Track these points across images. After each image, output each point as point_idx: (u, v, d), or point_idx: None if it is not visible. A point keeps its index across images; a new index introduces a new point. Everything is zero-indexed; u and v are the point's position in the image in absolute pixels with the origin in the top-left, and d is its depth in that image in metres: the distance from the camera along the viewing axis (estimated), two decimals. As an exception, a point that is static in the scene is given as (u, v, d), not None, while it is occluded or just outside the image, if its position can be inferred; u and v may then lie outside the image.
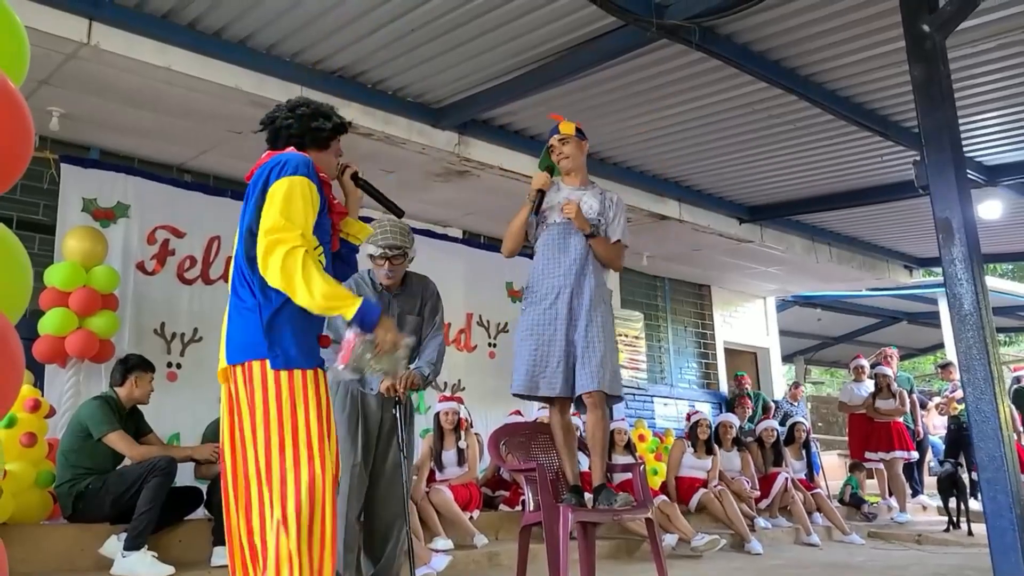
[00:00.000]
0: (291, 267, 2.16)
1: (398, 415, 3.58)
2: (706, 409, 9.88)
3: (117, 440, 4.35)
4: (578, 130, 3.78)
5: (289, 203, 2.24)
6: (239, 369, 2.26)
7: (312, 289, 2.16)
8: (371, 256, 3.69)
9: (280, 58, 5.04)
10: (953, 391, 8.77)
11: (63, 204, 5.61)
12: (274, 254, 2.18)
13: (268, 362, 2.21)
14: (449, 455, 5.92)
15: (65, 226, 5.50)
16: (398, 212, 2.85)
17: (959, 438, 8.57)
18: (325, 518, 2.14)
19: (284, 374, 2.21)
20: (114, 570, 3.96)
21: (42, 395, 4.71)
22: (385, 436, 3.67)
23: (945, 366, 9.57)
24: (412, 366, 3.69)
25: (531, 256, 3.87)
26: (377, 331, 2.27)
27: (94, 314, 5.14)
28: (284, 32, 4.77)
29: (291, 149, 2.45)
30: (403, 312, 3.80)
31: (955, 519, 7.40)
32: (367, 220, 2.94)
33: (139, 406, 4.69)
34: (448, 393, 7.16)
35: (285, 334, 2.24)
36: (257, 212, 2.31)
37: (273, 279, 2.20)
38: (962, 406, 8.54)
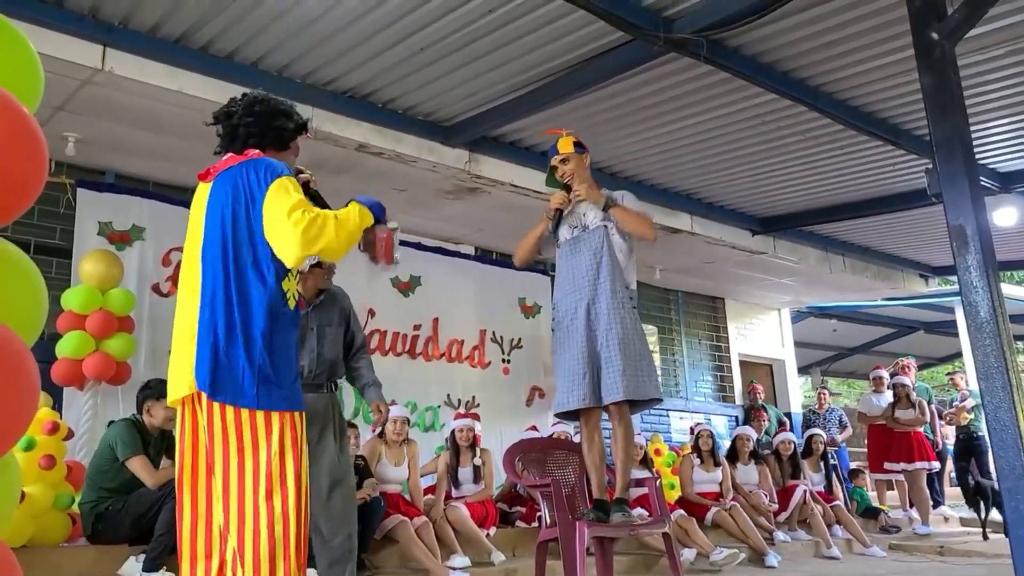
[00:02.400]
0: (321, 233, 2.17)
1: (333, 430, 3.43)
2: (722, 422, 9.83)
3: (138, 466, 4.36)
4: (577, 144, 3.78)
5: (293, 194, 2.22)
6: (216, 406, 2.11)
7: (344, 237, 2.22)
8: None
9: (291, 79, 5.09)
10: (961, 401, 8.78)
11: (79, 228, 5.68)
12: (318, 244, 2.17)
13: (256, 410, 2.11)
14: (465, 472, 5.90)
15: (81, 250, 5.55)
16: None
17: (969, 447, 8.61)
18: (290, 557, 2.07)
19: (272, 416, 2.13)
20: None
21: (60, 418, 4.74)
22: (315, 455, 3.39)
23: (952, 375, 9.58)
24: (365, 390, 3.72)
25: (543, 272, 3.90)
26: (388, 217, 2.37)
27: (111, 336, 5.17)
28: (295, 53, 4.83)
29: (256, 153, 2.35)
30: (322, 324, 3.66)
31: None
32: None
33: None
34: (463, 410, 7.17)
35: (277, 372, 2.16)
36: (253, 217, 2.23)
37: (334, 251, 2.22)
38: (971, 415, 8.56)
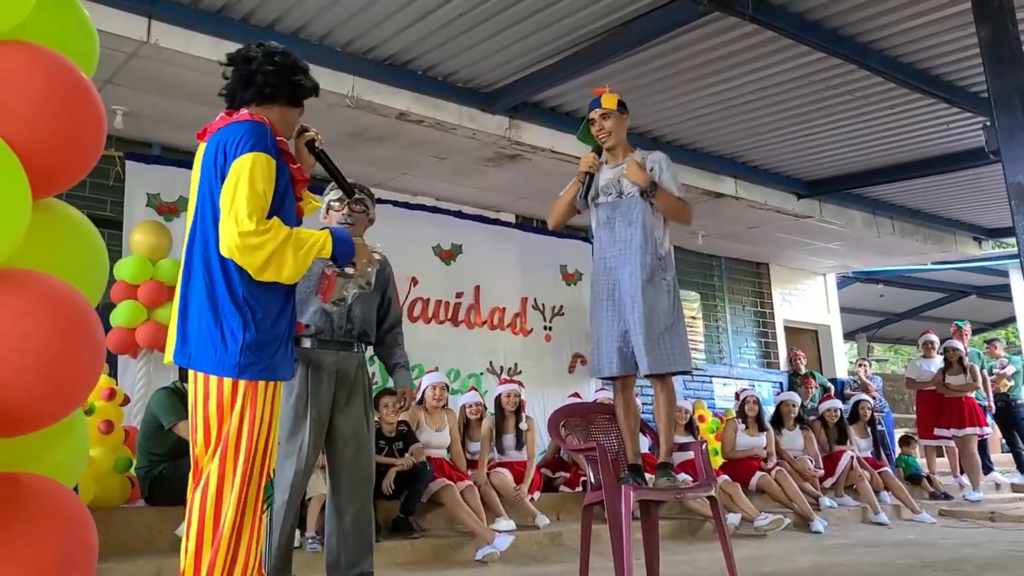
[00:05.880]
0: (266, 265, 2.13)
1: (362, 393, 3.27)
2: (767, 388, 9.76)
3: (185, 430, 4.48)
4: (620, 103, 3.68)
5: (250, 186, 2.13)
6: (200, 376, 2.16)
7: (286, 270, 2.15)
8: (331, 202, 3.35)
9: (332, 48, 5.10)
10: (1002, 368, 8.70)
11: (129, 200, 5.81)
12: (252, 256, 2.12)
13: (238, 380, 2.14)
14: (509, 438, 5.96)
15: (131, 221, 5.68)
16: (349, 191, 2.68)
17: (1008, 415, 8.52)
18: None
19: (239, 384, 2.15)
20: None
21: (116, 384, 4.89)
22: (343, 415, 3.22)
23: (990, 342, 9.46)
24: (395, 371, 3.54)
25: (584, 239, 3.84)
26: (355, 261, 2.33)
27: (162, 305, 5.29)
28: (335, 22, 4.83)
29: (245, 114, 2.29)
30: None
31: None
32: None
33: None
34: (506, 377, 7.22)
35: (249, 341, 2.15)
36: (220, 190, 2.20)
37: (253, 273, 2.16)
38: (1011, 383, 8.49)
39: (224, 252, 2.15)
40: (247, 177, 2.14)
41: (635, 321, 3.42)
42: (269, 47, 2.40)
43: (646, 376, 3.48)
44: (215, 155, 2.23)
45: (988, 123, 3.46)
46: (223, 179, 2.19)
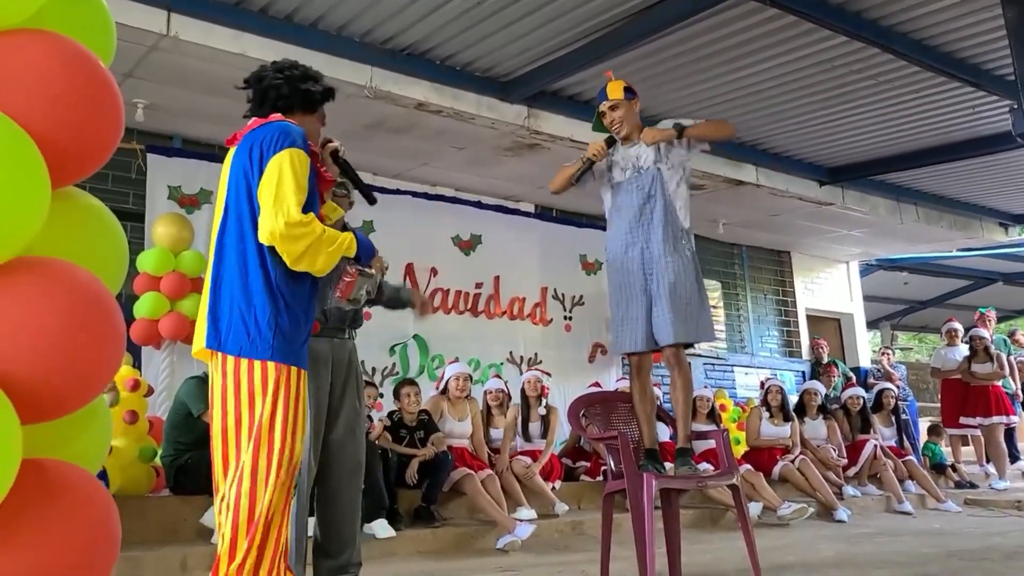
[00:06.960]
0: (303, 255, 2.20)
1: (355, 382, 3.17)
2: (789, 378, 9.69)
3: None
4: (627, 89, 3.66)
5: (294, 179, 2.21)
6: (230, 360, 2.20)
7: (319, 262, 2.24)
8: None
9: (350, 38, 5.10)
10: None
11: (151, 192, 5.86)
12: (293, 245, 2.19)
13: (269, 363, 2.18)
14: (535, 427, 5.97)
15: (153, 213, 5.73)
16: (371, 199, 2.76)
17: None
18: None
19: (268, 367, 2.18)
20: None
21: (140, 375, 4.94)
22: (339, 404, 3.13)
23: (1012, 333, 9.36)
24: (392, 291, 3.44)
25: (603, 228, 3.82)
26: (373, 263, 2.47)
27: (184, 297, 5.34)
28: (353, 12, 4.83)
29: (278, 116, 2.39)
30: (338, 267, 3.38)
31: None
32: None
33: None
34: (525, 367, 7.23)
35: (281, 327, 2.21)
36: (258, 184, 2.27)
37: (290, 262, 2.22)
38: None
39: (265, 239, 2.21)
40: (290, 171, 2.23)
41: (662, 291, 3.40)
42: (279, 62, 2.56)
43: (671, 346, 3.43)
44: (250, 152, 2.30)
45: (1015, 106, 3.40)
46: (261, 174, 2.26)
